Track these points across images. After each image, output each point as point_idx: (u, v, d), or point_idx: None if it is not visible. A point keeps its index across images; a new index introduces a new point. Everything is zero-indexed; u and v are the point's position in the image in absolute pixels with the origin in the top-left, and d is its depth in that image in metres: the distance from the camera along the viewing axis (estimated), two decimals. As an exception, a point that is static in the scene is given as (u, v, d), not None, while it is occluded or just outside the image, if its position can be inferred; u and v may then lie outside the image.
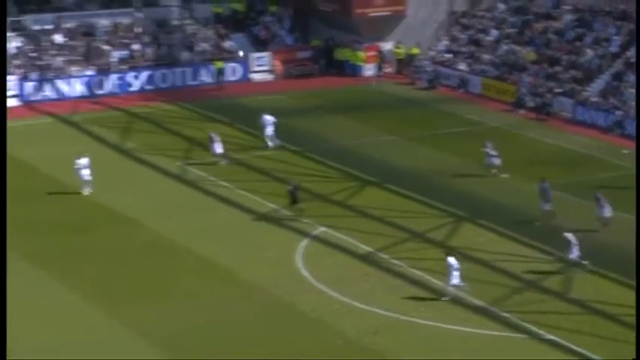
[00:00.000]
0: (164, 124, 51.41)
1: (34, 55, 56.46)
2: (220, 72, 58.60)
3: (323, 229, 37.66)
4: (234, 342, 29.39)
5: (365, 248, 36.00)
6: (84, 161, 40.37)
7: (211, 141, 44.56)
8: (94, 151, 46.51)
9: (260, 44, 61.98)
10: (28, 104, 54.31)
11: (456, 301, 31.58)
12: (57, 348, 28.80)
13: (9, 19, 57.70)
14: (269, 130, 46.41)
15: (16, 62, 55.48)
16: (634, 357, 26.06)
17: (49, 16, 58.63)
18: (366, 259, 35.25)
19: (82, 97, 55.37)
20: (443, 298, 31.65)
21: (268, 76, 60.82)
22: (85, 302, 31.60)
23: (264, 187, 41.37)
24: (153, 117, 52.65)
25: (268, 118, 46.60)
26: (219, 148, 44.46)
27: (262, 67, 60.75)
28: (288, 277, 33.61)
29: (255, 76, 60.46)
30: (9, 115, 51.89)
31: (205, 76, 58.77)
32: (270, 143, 46.23)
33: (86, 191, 40.32)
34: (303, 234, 37.22)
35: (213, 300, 32.03)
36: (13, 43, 56.63)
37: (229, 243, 36.44)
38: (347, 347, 29.12)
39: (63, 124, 51.60)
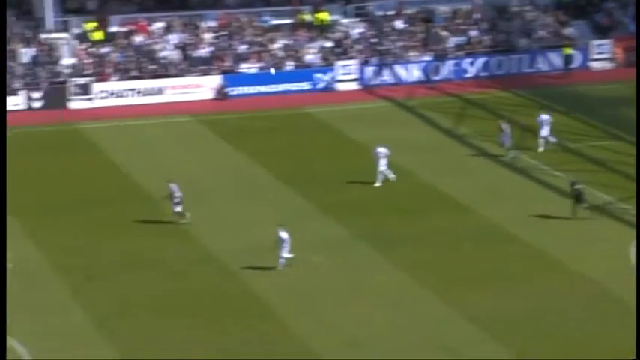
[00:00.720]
0: (497, 110, 51.19)
1: (375, 40, 58.06)
2: (568, 58, 57.54)
3: (660, 224, 36.18)
4: (560, 332, 29.03)
5: None
6: (383, 151, 40.61)
7: (502, 132, 43.71)
8: (426, 136, 47.48)
9: (601, 32, 60.24)
10: (367, 88, 55.96)
11: None
12: (396, 327, 29.57)
13: (354, 5, 59.71)
14: (545, 131, 44.60)
15: (358, 47, 57.33)
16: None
17: (391, 2, 60.07)
18: None
19: (418, 82, 56.32)
20: None
21: (608, 64, 59.03)
22: (416, 284, 32.20)
23: (598, 178, 40.24)
24: (486, 103, 52.61)
25: (545, 118, 44.77)
26: (506, 141, 43.56)
27: (602, 54, 59.03)
28: (621, 270, 32.57)
29: (595, 64, 58.85)
30: (348, 98, 54.10)
31: (542, 64, 57.94)
32: (540, 148, 44.41)
33: (377, 183, 40.53)
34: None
35: (540, 288, 31.72)
36: (356, 30, 58.55)
37: (559, 232, 35.88)
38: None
39: (399, 108, 52.75)
